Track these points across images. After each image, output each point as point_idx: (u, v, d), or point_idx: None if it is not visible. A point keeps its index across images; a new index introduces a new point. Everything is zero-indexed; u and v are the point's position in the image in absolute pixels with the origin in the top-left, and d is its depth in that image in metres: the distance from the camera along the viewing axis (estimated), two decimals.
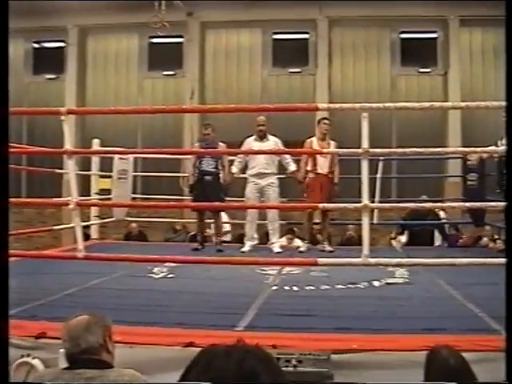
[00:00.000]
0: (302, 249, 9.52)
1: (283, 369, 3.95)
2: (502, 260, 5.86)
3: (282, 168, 9.80)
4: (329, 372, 3.96)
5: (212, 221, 10.05)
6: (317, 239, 10.30)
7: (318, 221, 9.94)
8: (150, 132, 16.83)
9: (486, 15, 15.21)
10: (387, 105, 5.68)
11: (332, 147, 9.15)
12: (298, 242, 11.55)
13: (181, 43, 17.00)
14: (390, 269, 7.11)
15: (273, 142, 9.43)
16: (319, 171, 9.20)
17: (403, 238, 11.32)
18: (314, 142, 9.22)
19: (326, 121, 9.28)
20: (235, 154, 9.92)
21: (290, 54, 16.76)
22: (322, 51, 16.42)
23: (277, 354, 3.99)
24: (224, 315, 4.93)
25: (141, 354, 4.13)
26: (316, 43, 16.54)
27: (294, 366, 3.97)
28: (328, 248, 9.51)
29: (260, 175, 9.39)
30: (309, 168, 9.28)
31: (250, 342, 3.82)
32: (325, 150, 8.86)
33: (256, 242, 9.72)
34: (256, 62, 17.02)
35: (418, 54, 16.36)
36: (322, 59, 16.43)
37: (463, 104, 6.78)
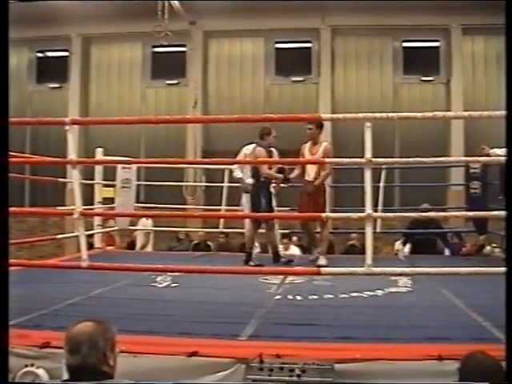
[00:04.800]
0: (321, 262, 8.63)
1: (287, 378, 3.96)
2: (505, 269, 5.89)
3: None
4: (333, 381, 3.96)
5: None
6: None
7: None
8: (153, 141, 16.88)
9: (488, 24, 15.23)
10: (390, 115, 5.68)
11: (321, 150, 8.64)
12: (294, 250, 11.55)
13: (184, 52, 17.08)
14: (393, 278, 7.10)
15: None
16: (306, 178, 8.73)
17: (406, 247, 11.32)
18: (306, 148, 8.81)
19: (308, 125, 8.71)
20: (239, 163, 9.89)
21: (293, 63, 16.83)
22: (325, 60, 16.48)
23: (280, 364, 4.00)
24: (227, 324, 4.92)
25: (144, 363, 4.13)
26: (319, 52, 16.60)
27: (298, 376, 3.96)
28: (323, 261, 8.50)
29: None
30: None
31: (253, 351, 3.81)
32: (309, 157, 8.57)
33: (258, 250, 9.69)
34: (259, 71, 17.08)
35: (420, 62, 16.41)
36: (325, 68, 16.49)
37: (466, 113, 6.81)
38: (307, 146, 8.81)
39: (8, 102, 3.72)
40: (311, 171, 8.64)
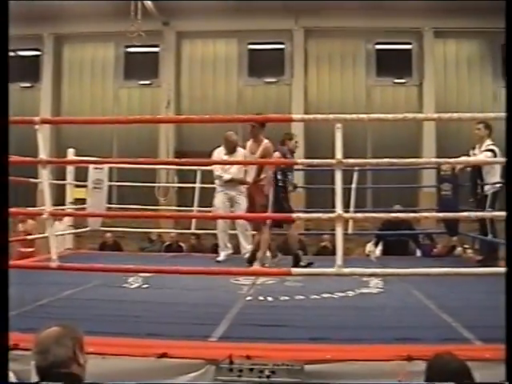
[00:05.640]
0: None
1: (256, 379, 3.96)
2: (476, 270, 5.95)
3: None
4: (302, 382, 3.96)
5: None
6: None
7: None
8: (125, 141, 16.79)
9: (460, 27, 15.41)
10: (361, 116, 5.69)
11: (260, 149, 8.30)
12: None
13: (157, 53, 17.03)
14: (365, 279, 7.12)
15: (240, 154, 9.28)
16: (248, 179, 8.57)
17: (378, 248, 11.36)
18: (247, 146, 8.63)
19: (251, 123, 8.42)
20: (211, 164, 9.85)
21: (266, 64, 16.86)
22: (298, 61, 16.51)
23: (250, 365, 3.99)
24: (198, 325, 4.91)
25: (114, 364, 4.10)
26: (292, 53, 16.63)
27: (268, 377, 3.96)
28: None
29: (230, 185, 9.32)
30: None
31: (223, 353, 3.79)
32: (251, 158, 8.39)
33: (230, 251, 9.68)
34: (232, 72, 17.07)
35: (393, 64, 16.52)
36: (298, 69, 16.52)
37: (436, 115, 6.85)
38: (249, 143, 8.61)
39: (8, 101, 3.67)
40: (252, 172, 8.42)
